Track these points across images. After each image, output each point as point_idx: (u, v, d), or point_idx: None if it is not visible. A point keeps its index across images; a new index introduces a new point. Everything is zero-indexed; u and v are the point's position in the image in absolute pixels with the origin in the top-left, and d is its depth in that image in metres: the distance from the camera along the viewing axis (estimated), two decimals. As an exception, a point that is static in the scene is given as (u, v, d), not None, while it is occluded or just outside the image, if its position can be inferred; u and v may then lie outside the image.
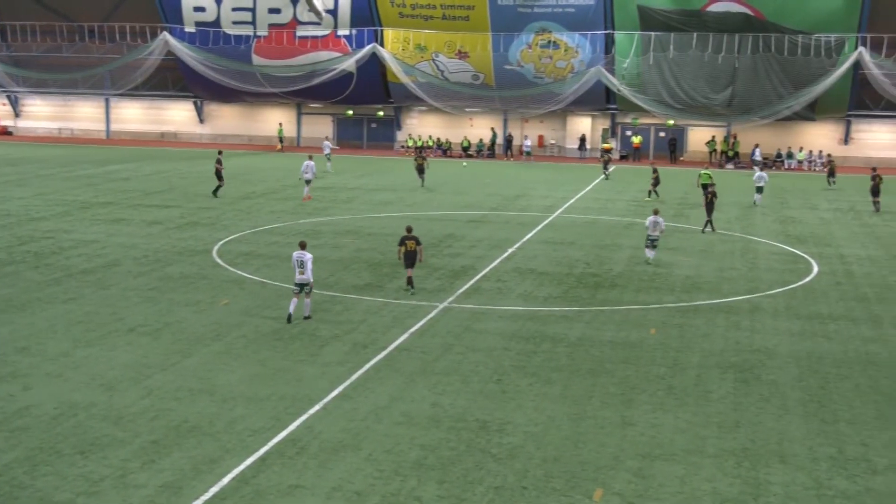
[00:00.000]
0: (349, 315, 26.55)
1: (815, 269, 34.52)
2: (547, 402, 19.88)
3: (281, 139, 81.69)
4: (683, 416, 19.22)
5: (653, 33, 72.05)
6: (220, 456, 16.76)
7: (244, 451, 16.97)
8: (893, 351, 24.28)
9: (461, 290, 29.77)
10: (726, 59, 71.46)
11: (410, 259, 29.07)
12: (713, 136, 76.83)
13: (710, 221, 42.15)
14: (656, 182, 53.52)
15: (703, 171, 51.72)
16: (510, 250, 36.58)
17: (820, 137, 75.64)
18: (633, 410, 19.52)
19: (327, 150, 66.93)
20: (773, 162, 74.33)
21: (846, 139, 75.29)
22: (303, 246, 26.26)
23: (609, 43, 73.78)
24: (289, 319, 25.53)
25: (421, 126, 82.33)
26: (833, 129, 75.60)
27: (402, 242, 29.14)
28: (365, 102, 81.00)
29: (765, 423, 18.99)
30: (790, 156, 74.83)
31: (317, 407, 19.32)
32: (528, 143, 76.43)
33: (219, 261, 33.73)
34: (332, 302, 27.96)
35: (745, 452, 17.48)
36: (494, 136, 79.77)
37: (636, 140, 77.98)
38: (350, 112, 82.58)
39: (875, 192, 50.48)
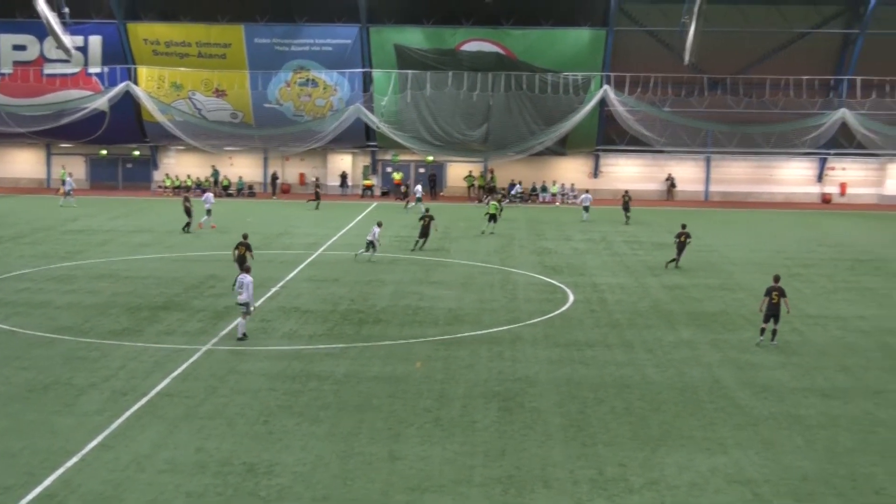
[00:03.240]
0: (107, 361, 25.55)
1: (571, 298, 35.84)
2: (315, 441, 19.73)
3: (63, 181, 75.72)
4: (451, 447, 19.49)
5: (410, 72, 73.36)
6: (-33, 518, 15.73)
7: (-6, 512, 16.00)
8: (645, 374, 25.47)
9: (224, 332, 29.20)
10: (481, 96, 73.54)
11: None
12: (470, 171, 78.74)
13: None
14: (626, 206, 60.90)
15: (492, 203, 55.95)
16: (274, 289, 36.19)
17: (571, 171, 78.86)
18: (402, 444, 19.63)
19: (69, 187, 65.20)
20: (529, 195, 76.85)
21: (595, 172, 78.79)
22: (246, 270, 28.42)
23: (367, 81, 74.56)
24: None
25: (179, 166, 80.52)
26: (583, 163, 78.98)
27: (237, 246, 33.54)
28: (119, 142, 78.46)
29: (529, 449, 19.50)
30: (544, 189, 77.59)
31: (74, 459, 18.45)
32: (419, 189, 68.89)
33: (-38, 310, 31.78)
34: (88, 349, 26.83)
35: (510, 479, 17.88)
36: (276, 176, 78.42)
37: (397, 176, 78.91)
38: (104, 152, 79.78)
39: (626, 207, 61.12)
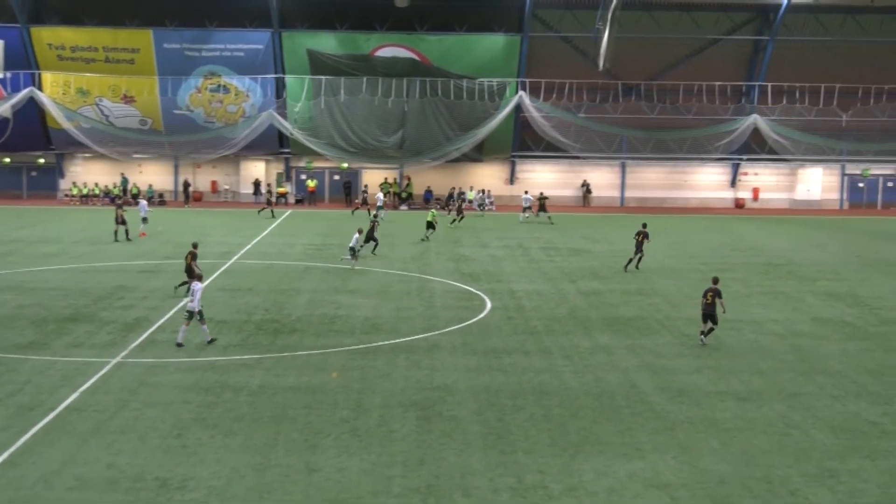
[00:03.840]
0: (12, 376, 24.95)
1: (489, 305, 35.99)
2: (229, 454, 19.50)
3: None
4: (368, 458, 19.41)
5: (323, 77, 73.14)
6: None
7: None
8: (563, 380, 25.67)
9: (135, 344, 28.74)
10: (396, 102, 73.62)
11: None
12: (386, 178, 78.69)
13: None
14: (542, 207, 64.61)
15: (432, 211, 56.78)
16: (186, 298, 35.70)
17: (488, 177, 79.33)
18: (318, 456, 19.50)
19: None
20: (446, 203, 76.98)
21: (511, 179, 79.37)
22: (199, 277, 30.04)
23: (280, 87, 74.16)
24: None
25: (86, 174, 79.10)
26: (500, 170, 79.55)
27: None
28: (23, 149, 76.84)
29: (448, 458, 19.51)
30: (462, 196, 77.78)
31: (-23, 478, 17.99)
32: (380, 197, 66.71)
33: None
34: (-9, 363, 26.19)
35: (429, 489, 17.87)
36: (187, 184, 77.44)
37: (311, 184, 78.58)
38: (7, 160, 78.02)
39: (542, 208, 65.25)
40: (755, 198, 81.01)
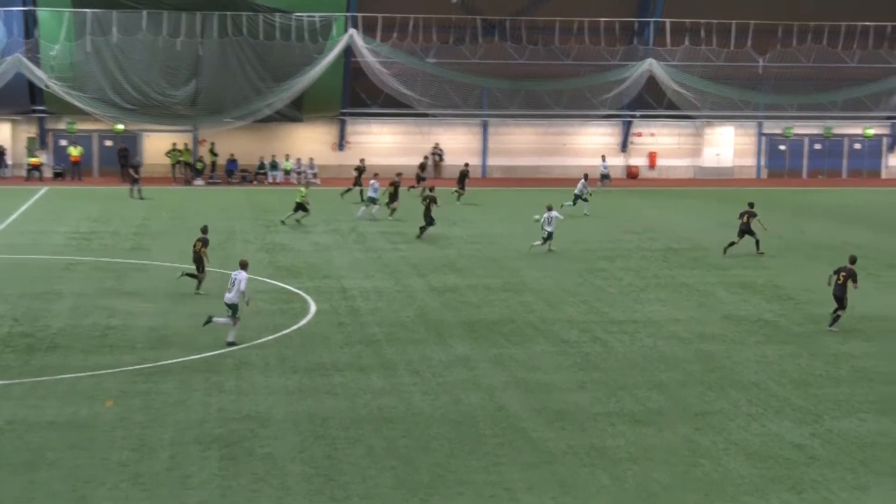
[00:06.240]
0: None
1: (313, 307, 35.92)
2: (-32, 514, 19.04)
3: None
4: (156, 512, 19.21)
5: (89, 11, 71.67)
6: None
7: None
8: (411, 404, 25.79)
9: None
10: (187, 44, 72.72)
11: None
12: (174, 144, 77.36)
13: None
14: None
15: (300, 189, 56.59)
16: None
17: (311, 142, 79.06)
18: (89, 512, 19.21)
19: None
20: (255, 175, 76.41)
21: (341, 143, 79.17)
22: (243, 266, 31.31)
23: (30, 23, 72.42)
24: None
25: None
26: (326, 132, 79.41)
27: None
28: None
29: (261, 509, 19.46)
30: (274, 166, 77.33)
31: None
32: (375, 184, 59.19)
33: None
34: None
35: (237, 550, 17.78)
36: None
37: (75, 152, 76.75)
38: None
39: (460, 182, 65.10)
40: (652, 165, 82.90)
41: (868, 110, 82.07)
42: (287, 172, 77.16)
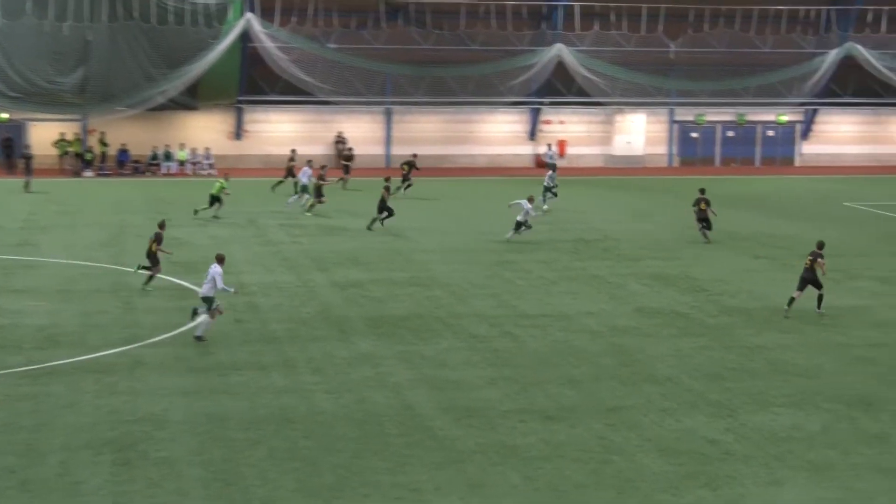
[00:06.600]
0: None
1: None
2: None
3: None
4: (45, 521, 18.99)
5: (-33, -8, 70.54)
6: None
7: None
8: (313, 403, 25.73)
9: None
10: (75, 28, 71.78)
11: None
12: (63, 134, 76.23)
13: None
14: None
15: (219, 182, 55.45)
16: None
17: (206, 131, 78.25)
18: (-26, 522, 18.94)
19: None
20: (148, 166, 75.61)
21: (239, 132, 78.65)
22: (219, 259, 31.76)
23: None
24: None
25: None
26: (223, 121, 78.65)
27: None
28: None
29: (157, 515, 19.31)
30: (168, 156, 76.56)
31: None
32: (307, 171, 59.51)
33: None
34: None
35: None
36: None
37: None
38: None
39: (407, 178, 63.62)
40: (561, 153, 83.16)
41: (781, 96, 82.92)
42: (182, 163, 76.40)
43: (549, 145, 76.70)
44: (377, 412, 25.08)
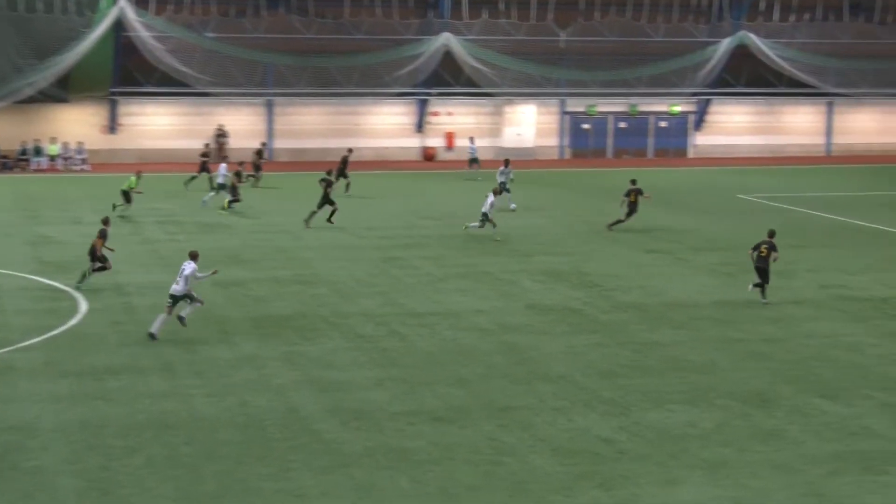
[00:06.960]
0: None
1: (84, 306, 35.34)
2: None
3: None
4: (-89, 536, 18.70)
5: None
6: None
7: None
8: (193, 407, 25.60)
9: None
10: (-64, 17, 70.72)
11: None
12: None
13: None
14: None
15: (132, 177, 54.83)
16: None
17: (78, 125, 77.34)
18: None
19: None
20: (17, 161, 74.55)
21: (113, 126, 77.82)
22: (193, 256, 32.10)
23: None
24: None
25: None
26: (95, 114, 77.75)
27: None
28: None
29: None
30: (38, 151, 75.56)
31: None
32: (223, 168, 59.76)
33: None
34: None
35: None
36: None
37: None
38: None
39: (342, 172, 62.08)
40: (450, 146, 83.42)
41: (674, 86, 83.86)
42: (53, 158, 75.46)
43: (472, 138, 75.92)
44: (260, 416, 25.02)
